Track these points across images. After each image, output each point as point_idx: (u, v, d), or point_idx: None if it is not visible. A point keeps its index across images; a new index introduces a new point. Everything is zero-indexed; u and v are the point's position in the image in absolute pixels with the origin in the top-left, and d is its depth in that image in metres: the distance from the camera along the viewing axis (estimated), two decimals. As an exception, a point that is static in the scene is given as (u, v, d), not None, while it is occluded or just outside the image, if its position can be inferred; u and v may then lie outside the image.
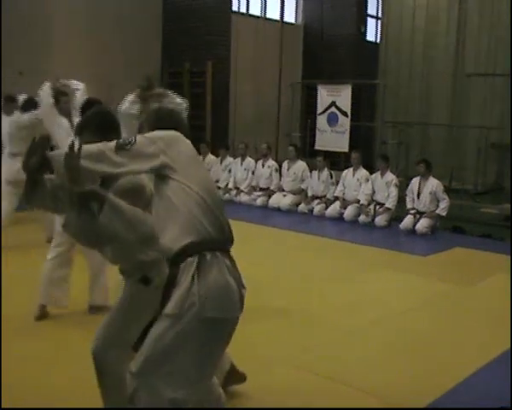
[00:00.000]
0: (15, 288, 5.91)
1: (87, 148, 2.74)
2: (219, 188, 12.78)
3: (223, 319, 2.71)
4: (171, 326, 2.67)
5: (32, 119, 7.82)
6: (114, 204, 2.84)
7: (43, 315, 5.41)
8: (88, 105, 4.80)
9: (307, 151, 14.47)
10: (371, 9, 18.46)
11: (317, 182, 11.63)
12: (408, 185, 10.57)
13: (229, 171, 12.84)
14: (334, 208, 11.18)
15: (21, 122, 8.02)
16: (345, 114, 13.65)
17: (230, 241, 2.85)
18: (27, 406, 3.85)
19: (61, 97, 6.02)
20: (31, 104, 8.07)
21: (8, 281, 5.84)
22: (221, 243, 2.79)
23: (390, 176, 10.72)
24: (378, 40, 18.13)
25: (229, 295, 2.71)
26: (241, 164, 12.64)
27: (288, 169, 12.06)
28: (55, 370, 4.41)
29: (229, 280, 2.72)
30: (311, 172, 11.78)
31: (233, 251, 2.83)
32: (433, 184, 10.16)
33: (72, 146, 2.66)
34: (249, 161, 12.60)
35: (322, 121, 14.04)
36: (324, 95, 14.02)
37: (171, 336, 2.67)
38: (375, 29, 18.89)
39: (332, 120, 13.88)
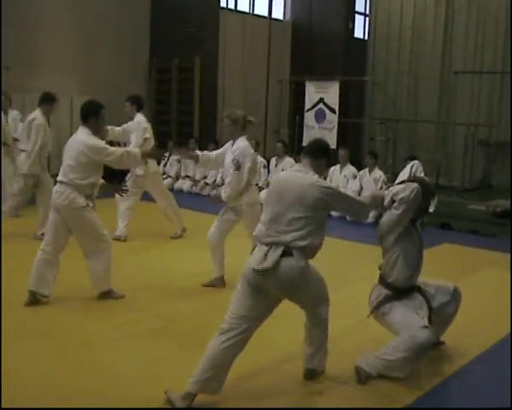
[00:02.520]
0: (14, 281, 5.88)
1: None
2: (207, 184, 12.78)
3: None
4: None
5: None
6: None
7: None
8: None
9: (295, 147, 14.47)
10: (359, 6, 18.46)
11: (305, 178, 11.61)
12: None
13: (217, 167, 12.79)
14: (322, 205, 11.18)
15: None
16: (333, 110, 13.68)
17: None
18: (27, 406, 3.83)
19: None
20: None
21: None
22: None
23: (378, 173, 10.74)
24: (366, 37, 18.16)
25: None
26: (230, 160, 12.59)
27: (276, 165, 12.05)
28: (55, 369, 4.37)
29: None
30: (299, 168, 11.74)
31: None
32: (420, 180, 10.18)
33: None
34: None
35: (310, 118, 14.07)
36: (312, 91, 14.04)
37: None
38: (363, 26, 18.90)
39: (320, 117, 13.91)
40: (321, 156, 4.28)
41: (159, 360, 4.58)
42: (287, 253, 3.90)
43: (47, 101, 8.01)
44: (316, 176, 4.15)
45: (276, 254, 3.90)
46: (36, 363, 4.46)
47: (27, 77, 11.15)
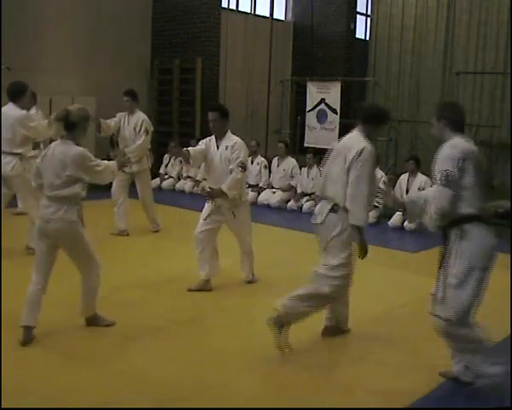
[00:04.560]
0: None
1: None
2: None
3: None
4: None
5: None
6: None
7: None
8: None
9: (297, 148, 14.47)
10: (360, 7, 18.46)
11: (306, 179, 11.64)
12: (397, 182, 10.59)
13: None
14: (323, 205, 11.18)
15: None
16: (334, 111, 13.68)
17: None
18: (27, 406, 3.83)
19: None
20: None
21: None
22: None
23: (379, 173, 10.70)
24: (367, 37, 18.18)
25: None
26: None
27: (277, 166, 12.06)
28: (55, 370, 4.38)
29: None
30: (300, 169, 11.78)
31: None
32: (421, 180, 10.19)
33: None
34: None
35: (311, 118, 14.06)
36: (314, 92, 14.04)
37: None
38: (364, 26, 18.91)
39: (321, 117, 13.90)
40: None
41: (157, 361, 4.58)
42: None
43: None
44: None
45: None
46: (36, 363, 4.47)
47: (28, 77, 11.09)
